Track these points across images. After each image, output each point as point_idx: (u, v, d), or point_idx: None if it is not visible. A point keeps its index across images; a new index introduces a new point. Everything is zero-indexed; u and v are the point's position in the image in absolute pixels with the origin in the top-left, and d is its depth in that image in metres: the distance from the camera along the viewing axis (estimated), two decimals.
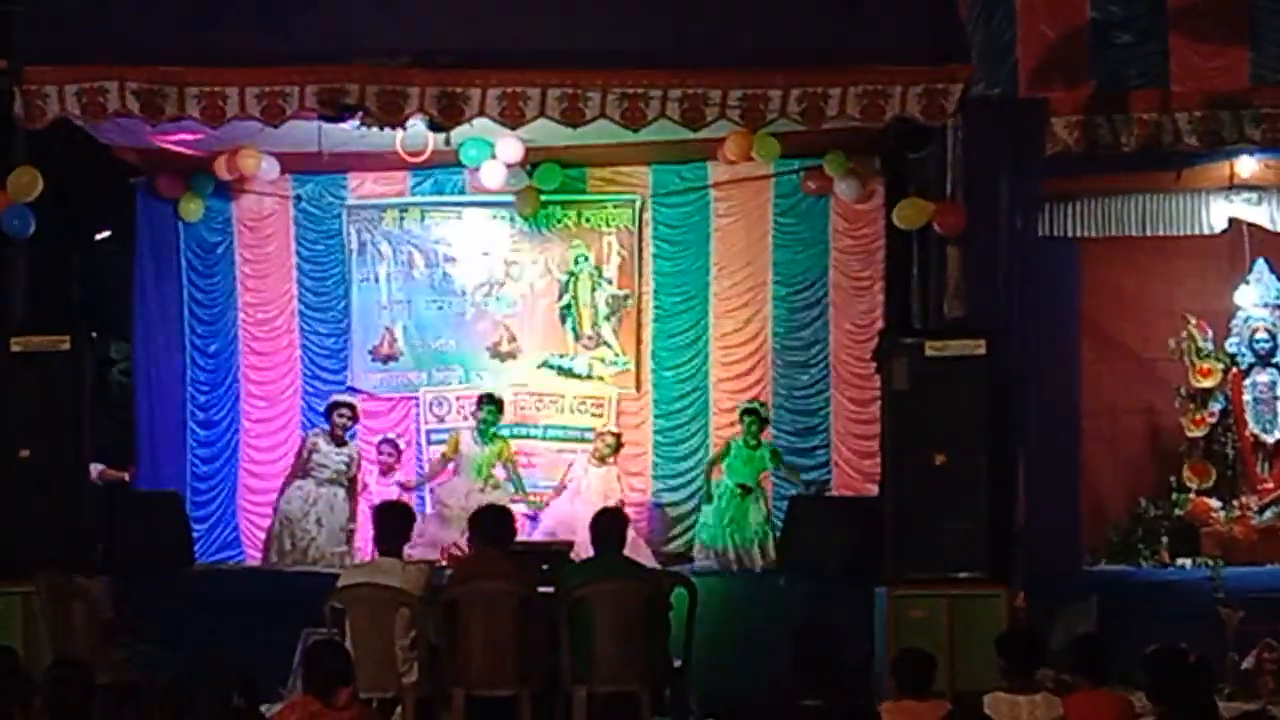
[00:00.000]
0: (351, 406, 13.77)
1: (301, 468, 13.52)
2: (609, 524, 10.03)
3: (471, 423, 13.92)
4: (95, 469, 12.38)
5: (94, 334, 11.85)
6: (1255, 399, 13.07)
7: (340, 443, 13.57)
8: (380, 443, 14.12)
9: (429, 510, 14.00)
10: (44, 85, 11.41)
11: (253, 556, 14.15)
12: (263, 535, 13.83)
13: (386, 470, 14.02)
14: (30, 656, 10.05)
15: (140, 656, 10.31)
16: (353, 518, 13.58)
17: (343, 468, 13.53)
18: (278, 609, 11.36)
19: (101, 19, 11.52)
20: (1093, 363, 13.02)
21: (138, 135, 12.97)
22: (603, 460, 13.96)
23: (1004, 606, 10.75)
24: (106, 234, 14.65)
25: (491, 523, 9.83)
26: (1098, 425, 13.00)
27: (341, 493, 13.53)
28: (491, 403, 13.86)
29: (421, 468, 14.49)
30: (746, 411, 13.82)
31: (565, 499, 13.97)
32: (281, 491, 13.58)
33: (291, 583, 12.59)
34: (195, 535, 13.58)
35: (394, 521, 9.94)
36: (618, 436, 14.10)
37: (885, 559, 11.10)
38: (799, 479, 14.02)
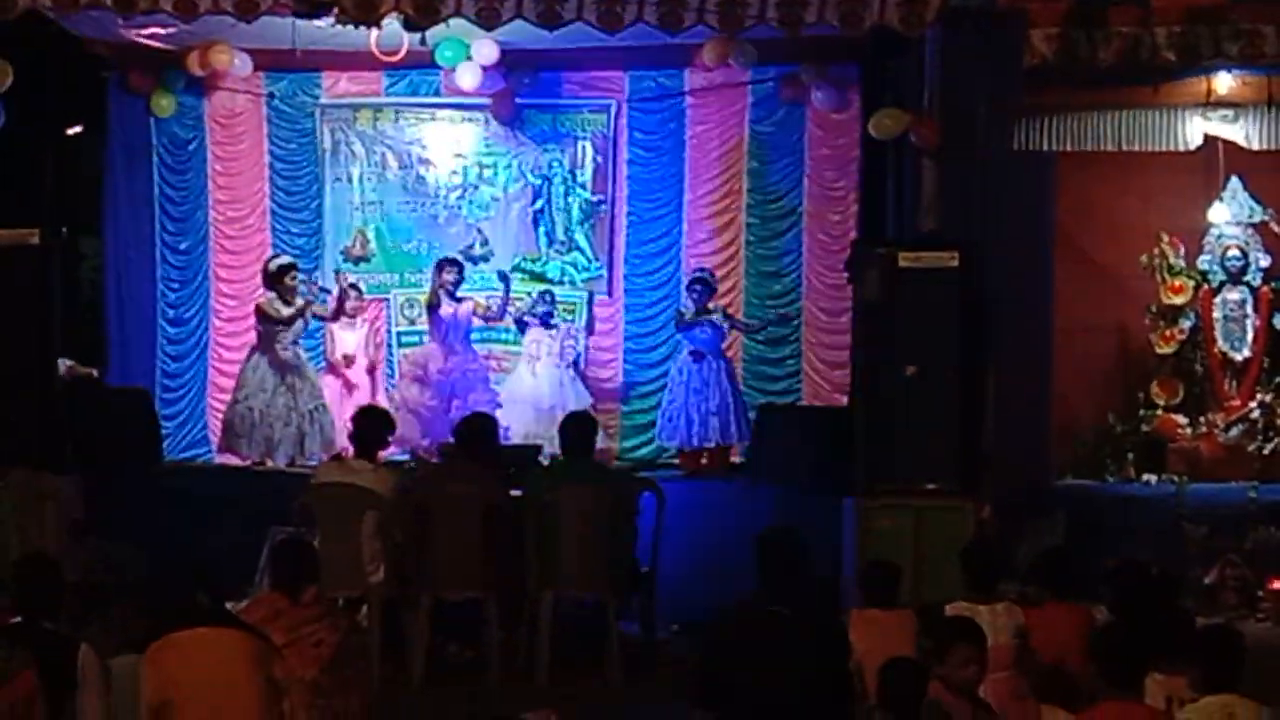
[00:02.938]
0: (296, 265, 13.69)
1: (265, 340, 13.40)
2: (578, 428, 10.08)
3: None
4: (64, 365, 12.31)
5: (64, 229, 11.77)
6: (1225, 317, 13.07)
7: (290, 303, 13.48)
8: (346, 288, 14.02)
9: (402, 377, 14.04)
10: None
11: (223, 456, 14.12)
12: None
13: (355, 313, 13.97)
14: None
15: (108, 554, 10.31)
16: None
17: (300, 324, 13.47)
18: (246, 507, 11.38)
19: None
20: (1065, 277, 12.98)
21: (109, 28, 12.85)
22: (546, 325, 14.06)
23: (971, 519, 10.81)
24: (78, 129, 14.53)
25: (478, 431, 9.89)
26: (1069, 340, 12.98)
27: (304, 351, 13.52)
28: (454, 264, 13.83)
29: (392, 371, 14.46)
30: (695, 280, 13.82)
31: (526, 367, 14.02)
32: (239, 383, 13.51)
33: (260, 481, 12.62)
34: (164, 433, 13.58)
35: (371, 427, 9.98)
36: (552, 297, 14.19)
37: (854, 469, 11.14)
38: (758, 323, 14.08)
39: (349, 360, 13.85)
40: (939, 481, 10.95)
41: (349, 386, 13.78)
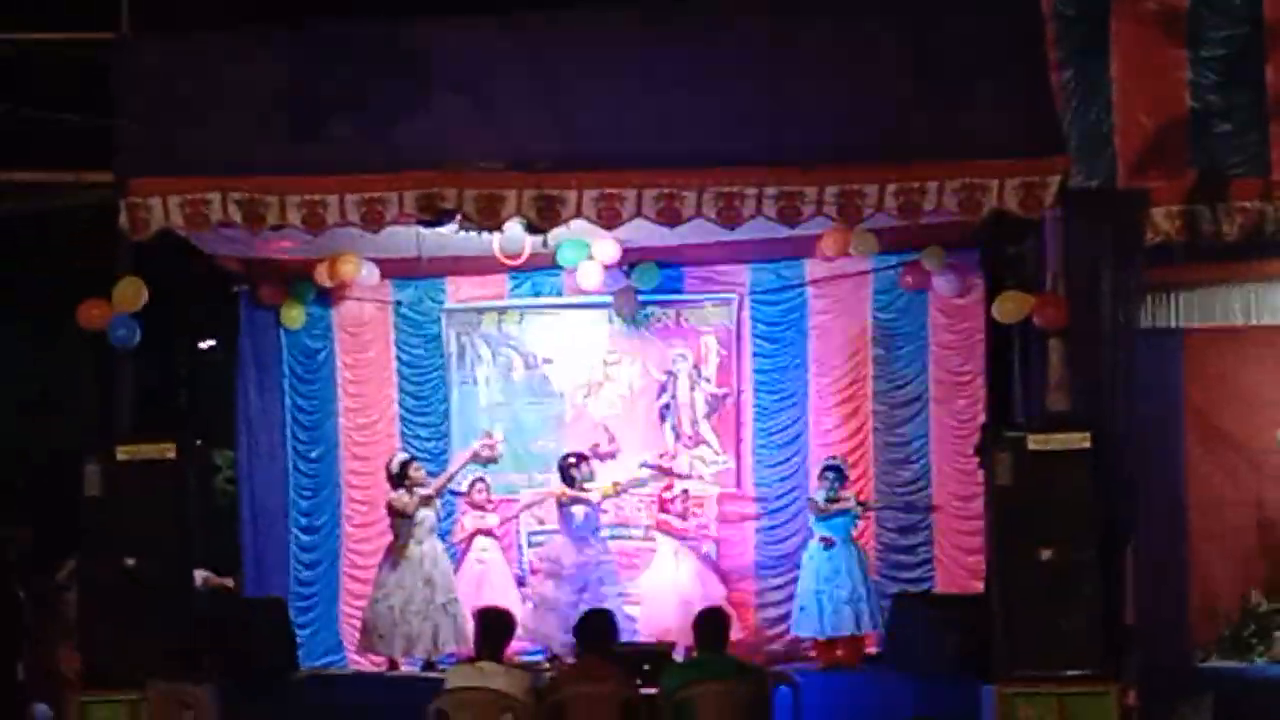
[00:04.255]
0: (415, 458, 13.89)
1: (401, 537, 13.51)
2: (711, 623, 9.99)
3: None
4: (200, 576, 12.47)
5: (199, 442, 11.98)
6: None
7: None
8: (474, 481, 14.18)
9: (534, 573, 14.05)
10: (148, 197, 11.65)
11: (355, 662, 14.16)
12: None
13: (479, 507, 14.12)
14: None
15: None
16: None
17: (434, 517, 13.64)
18: (381, 713, 11.37)
19: (203, 131, 11.74)
20: (1199, 455, 12.84)
21: (240, 244, 13.14)
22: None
23: (1115, 704, 10.61)
24: (211, 343, 14.81)
25: (596, 627, 9.83)
26: (1206, 518, 12.80)
27: (439, 544, 13.63)
28: (583, 459, 13.93)
29: (522, 569, 14.47)
30: (827, 469, 13.79)
31: (668, 559, 14.03)
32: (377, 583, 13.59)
33: (395, 686, 12.64)
34: (299, 640, 13.62)
35: (495, 628, 9.94)
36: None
37: (993, 656, 10.97)
38: (894, 506, 14.06)
39: (485, 532, 13.98)
40: (1080, 666, 10.77)
41: (484, 577, 13.84)
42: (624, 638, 12.53)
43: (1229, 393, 13.09)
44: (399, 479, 13.59)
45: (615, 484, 14.19)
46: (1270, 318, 12.60)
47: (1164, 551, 12.18)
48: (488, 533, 14.06)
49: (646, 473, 14.44)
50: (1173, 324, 12.50)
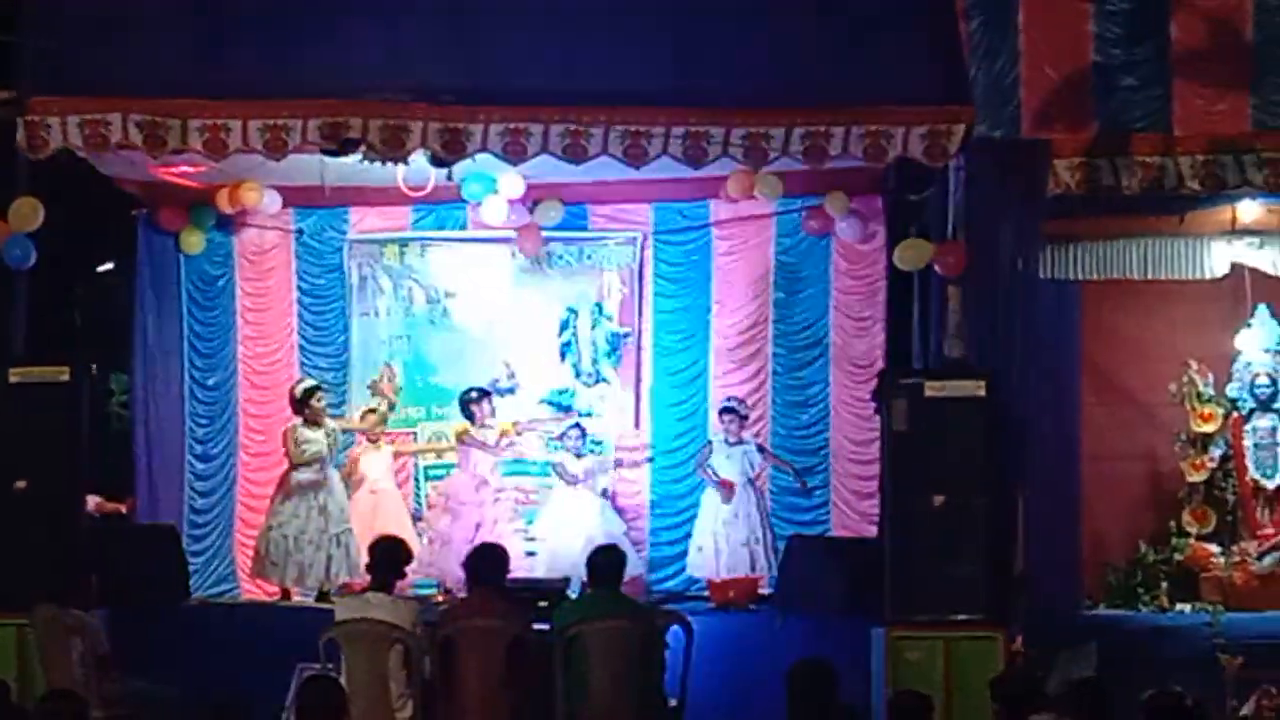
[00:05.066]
0: (321, 386, 13.84)
1: (295, 465, 13.46)
2: (605, 561, 10.03)
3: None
4: (92, 501, 12.36)
5: (93, 365, 11.83)
6: (1256, 444, 13.05)
7: (318, 425, 13.56)
8: (364, 413, 14.12)
9: (431, 508, 14.05)
10: (47, 116, 11.46)
11: (248, 591, 14.10)
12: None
13: (373, 440, 14.05)
14: (24, 690, 10.06)
15: (134, 691, 10.28)
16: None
17: (327, 445, 13.57)
18: (273, 643, 11.34)
19: (105, 51, 11.58)
20: (1093, 406, 12.99)
21: (140, 167, 12.98)
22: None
23: (1001, 649, 10.74)
24: (108, 266, 14.61)
25: (485, 562, 9.85)
26: (1098, 468, 12.95)
27: (335, 474, 13.60)
28: (484, 395, 13.90)
29: (419, 503, 14.44)
30: (725, 410, 13.81)
31: (564, 496, 14.04)
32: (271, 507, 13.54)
33: (286, 617, 12.59)
34: (191, 569, 13.54)
35: (388, 558, 9.93)
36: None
37: (883, 600, 11.07)
38: (792, 468, 14.02)
39: (366, 484, 13.90)
40: (968, 611, 10.91)
41: (378, 508, 13.80)
42: (522, 575, 12.61)
43: (1124, 346, 13.25)
44: (301, 404, 13.54)
45: (515, 423, 14.17)
46: (1167, 273, 12.74)
47: (1056, 501, 12.32)
48: (383, 464, 14.01)
49: (546, 410, 14.43)
50: (1070, 276, 12.62)
